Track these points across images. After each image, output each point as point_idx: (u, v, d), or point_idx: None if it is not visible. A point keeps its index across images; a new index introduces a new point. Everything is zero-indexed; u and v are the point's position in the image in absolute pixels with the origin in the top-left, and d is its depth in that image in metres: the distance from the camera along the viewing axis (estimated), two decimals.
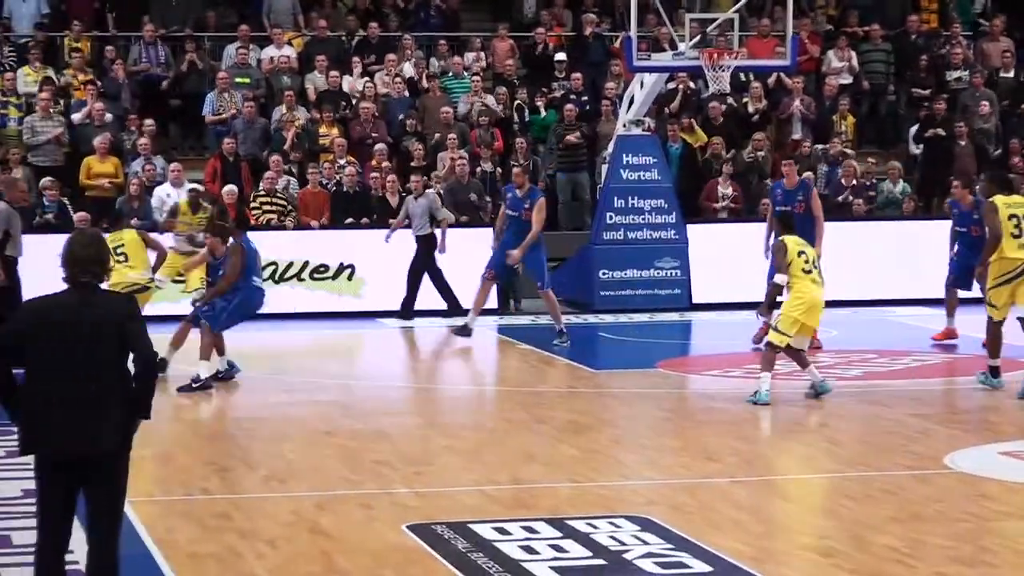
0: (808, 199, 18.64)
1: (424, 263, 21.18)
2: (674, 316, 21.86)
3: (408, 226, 21.15)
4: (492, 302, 21.41)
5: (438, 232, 21.05)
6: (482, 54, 26.00)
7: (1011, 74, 26.29)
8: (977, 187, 18.51)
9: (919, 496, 11.58)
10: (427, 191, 21.41)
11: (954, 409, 15.50)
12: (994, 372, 15.93)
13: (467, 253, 20.84)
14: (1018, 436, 13.59)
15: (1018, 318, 15.99)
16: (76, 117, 23.45)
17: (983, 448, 13.17)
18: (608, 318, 21.61)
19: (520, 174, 19.68)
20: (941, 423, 14.56)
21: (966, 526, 10.59)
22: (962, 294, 18.94)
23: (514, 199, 19.34)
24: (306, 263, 21.79)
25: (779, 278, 15.33)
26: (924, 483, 12.06)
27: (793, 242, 15.42)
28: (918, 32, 26.92)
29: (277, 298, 20.24)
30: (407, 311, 21.20)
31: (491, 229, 21.76)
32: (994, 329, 15.90)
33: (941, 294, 19.25)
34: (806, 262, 15.24)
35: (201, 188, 20.27)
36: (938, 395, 16.51)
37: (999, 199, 16.04)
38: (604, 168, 23.08)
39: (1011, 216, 15.84)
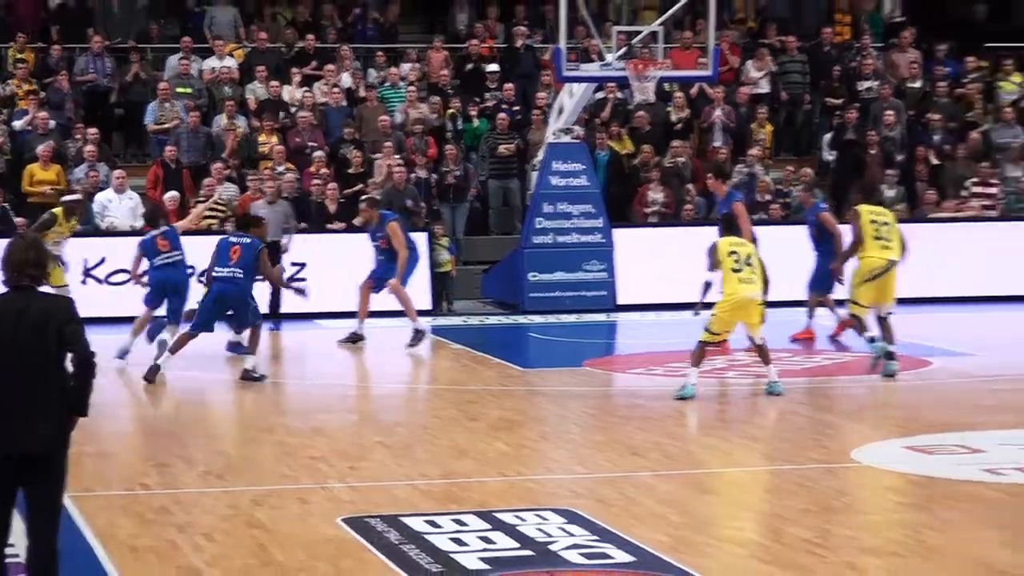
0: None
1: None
2: (600, 317, 21.89)
3: None
4: (426, 303, 21.44)
5: (284, 238, 21.01)
6: (417, 65, 25.99)
7: (918, 84, 26.49)
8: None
9: (829, 489, 11.66)
10: (281, 199, 21.42)
11: (862, 405, 15.60)
12: (889, 355, 16.45)
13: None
14: (921, 431, 13.68)
15: (879, 317, 16.51)
16: (18, 124, 23.32)
17: (888, 443, 13.24)
18: (537, 319, 21.63)
19: (366, 209, 19.61)
20: (850, 419, 14.67)
21: (874, 518, 10.68)
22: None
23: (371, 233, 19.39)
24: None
25: (708, 276, 15.43)
26: (834, 477, 12.15)
27: (726, 243, 15.44)
28: (832, 44, 27.09)
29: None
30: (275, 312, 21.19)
31: (426, 233, 21.82)
32: (859, 325, 16.61)
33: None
34: (736, 262, 15.22)
35: (79, 197, 20.12)
36: (847, 392, 16.59)
37: (863, 207, 16.88)
38: (534, 175, 23.12)
39: (872, 221, 16.64)
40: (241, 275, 16.79)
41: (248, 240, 16.95)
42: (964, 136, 25.38)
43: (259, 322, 17.03)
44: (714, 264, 15.35)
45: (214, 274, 16.91)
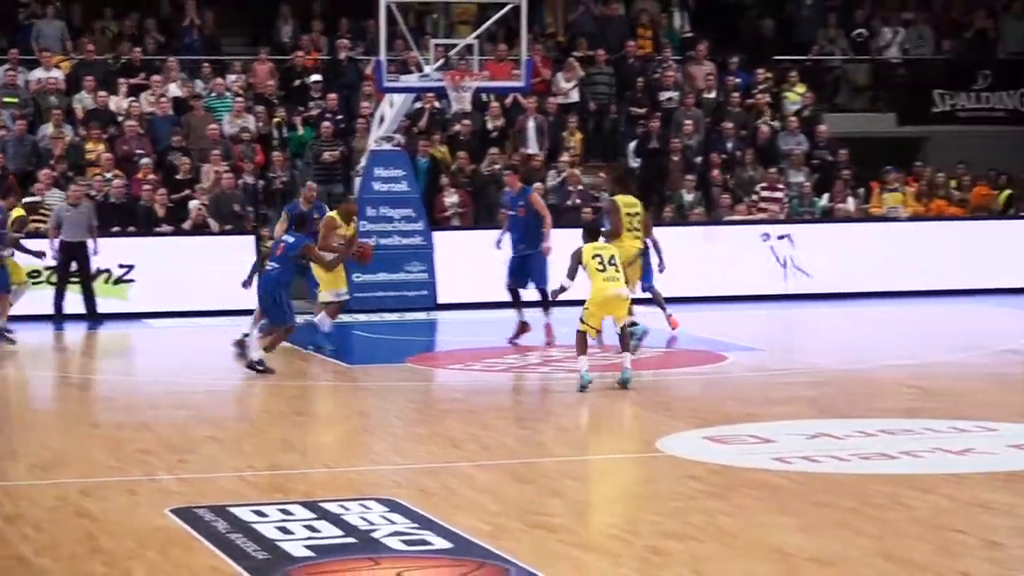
0: (528, 203, 18.90)
1: (67, 267, 20.94)
2: (421, 315, 21.95)
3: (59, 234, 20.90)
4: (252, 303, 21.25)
5: (90, 241, 20.91)
6: (243, 76, 25.82)
7: (713, 95, 26.94)
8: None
9: (635, 477, 11.83)
10: (84, 201, 21.21)
11: (665, 397, 15.81)
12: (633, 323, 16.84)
13: (233, 260, 20.61)
14: (720, 422, 13.88)
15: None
16: None
17: (689, 433, 13.42)
18: (362, 317, 21.60)
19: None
20: (655, 411, 14.85)
21: (675, 504, 10.80)
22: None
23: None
24: (74, 269, 21.32)
25: (564, 281, 15.66)
26: (639, 465, 12.31)
27: (590, 248, 15.75)
28: (635, 57, 27.44)
29: (45, 301, 19.89)
30: (59, 312, 20.95)
31: (254, 237, 21.65)
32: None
33: (669, 292, 19.50)
34: (600, 263, 15.57)
35: None
36: (651, 384, 16.80)
37: (619, 198, 17.73)
38: (358, 180, 23.11)
39: (628, 214, 17.70)
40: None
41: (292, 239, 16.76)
42: (754, 143, 25.91)
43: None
44: (573, 269, 15.59)
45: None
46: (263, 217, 23.03)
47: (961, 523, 10.17)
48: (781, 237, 23.02)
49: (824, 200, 25.17)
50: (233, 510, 10.52)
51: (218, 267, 20.88)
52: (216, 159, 23.26)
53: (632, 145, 25.83)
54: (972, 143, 27.78)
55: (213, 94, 25.22)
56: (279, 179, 23.62)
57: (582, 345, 15.68)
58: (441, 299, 22.45)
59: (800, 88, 27.31)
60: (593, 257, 15.70)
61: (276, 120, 24.79)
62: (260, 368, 16.54)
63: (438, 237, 22.71)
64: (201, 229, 22.52)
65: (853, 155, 26.06)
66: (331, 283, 18.23)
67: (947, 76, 29.29)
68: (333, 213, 18.65)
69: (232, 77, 25.65)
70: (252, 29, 28.51)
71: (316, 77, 25.62)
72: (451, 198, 23.55)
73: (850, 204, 24.88)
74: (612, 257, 15.76)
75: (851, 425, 13.60)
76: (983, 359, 18.12)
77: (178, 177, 23.23)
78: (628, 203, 18.00)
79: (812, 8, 29.34)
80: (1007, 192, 26.00)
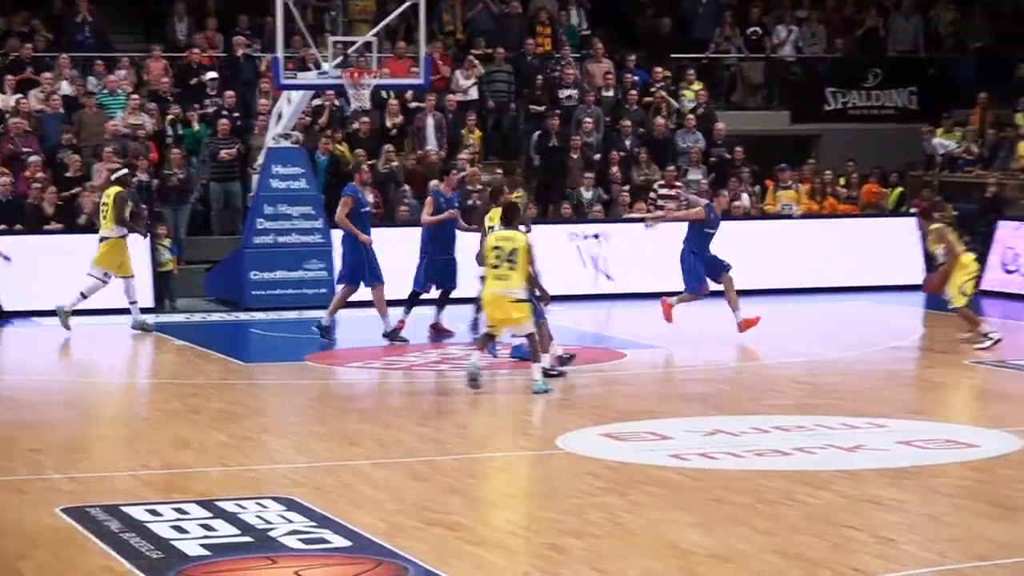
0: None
1: None
2: (320, 313, 21.75)
3: None
4: (149, 301, 21.11)
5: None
6: (135, 72, 25.56)
7: (611, 93, 27.05)
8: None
9: (534, 475, 11.86)
10: None
11: (563, 395, 15.86)
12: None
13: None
14: (618, 419, 13.96)
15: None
16: None
17: (588, 430, 13.47)
18: (259, 315, 21.45)
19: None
20: (552, 408, 14.90)
21: (574, 501, 10.84)
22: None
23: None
24: None
25: (478, 269, 15.37)
26: (538, 463, 12.35)
27: (494, 237, 15.11)
28: (534, 54, 27.48)
29: None
30: None
31: (148, 234, 21.43)
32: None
33: (561, 290, 19.55)
34: (497, 258, 14.84)
35: None
36: (552, 382, 16.82)
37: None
38: (255, 178, 22.95)
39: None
40: None
41: None
42: (651, 141, 26.04)
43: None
44: (482, 258, 15.25)
45: None
46: (158, 214, 22.81)
47: (853, 519, 10.29)
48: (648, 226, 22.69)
49: None
50: (126, 509, 10.43)
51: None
52: (108, 156, 23.02)
53: (532, 142, 25.85)
54: (863, 141, 28.12)
55: (105, 91, 24.93)
56: (175, 176, 23.40)
57: (482, 343, 15.58)
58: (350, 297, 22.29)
59: (697, 86, 27.50)
60: (493, 249, 15.01)
61: (170, 117, 24.56)
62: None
63: (337, 235, 22.51)
64: (92, 227, 22.23)
65: (748, 153, 26.28)
66: None
67: (839, 74, 29.64)
68: None
69: (123, 73, 25.37)
70: (145, 26, 28.25)
71: (212, 74, 25.41)
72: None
73: (745, 201, 25.08)
74: (513, 252, 14.89)
75: (746, 422, 13.72)
76: (873, 356, 18.34)
77: (68, 175, 22.99)
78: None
79: (708, 6, 29.55)
80: (898, 190, 26.33)
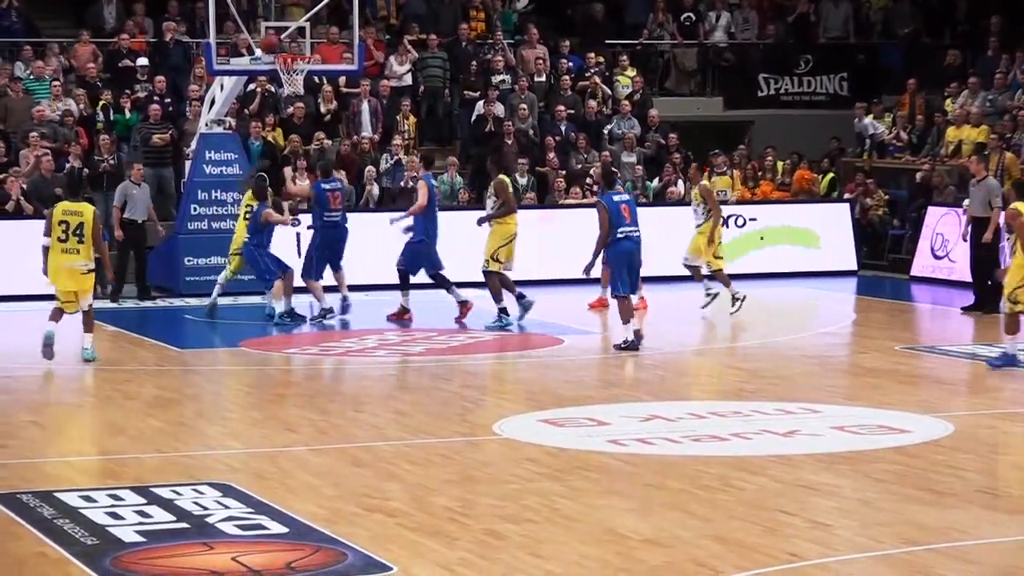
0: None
1: None
2: (257, 299, 21.64)
3: None
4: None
5: None
6: (62, 58, 25.31)
7: (544, 79, 27.06)
8: None
9: (472, 460, 11.87)
10: None
11: (501, 381, 15.90)
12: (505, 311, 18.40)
13: None
14: (555, 405, 14.01)
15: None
16: None
17: (526, 416, 13.51)
18: (194, 301, 21.28)
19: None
20: (490, 394, 14.93)
21: (512, 487, 10.88)
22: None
23: None
24: None
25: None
26: (476, 449, 12.37)
27: (59, 210, 15.70)
28: (468, 40, 27.44)
29: None
30: None
31: None
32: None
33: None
34: (64, 231, 15.63)
35: None
36: (488, 368, 16.90)
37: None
38: (188, 164, 22.80)
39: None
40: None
41: None
42: (586, 127, 26.08)
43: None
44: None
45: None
46: (89, 200, 22.56)
47: (788, 504, 10.38)
48: None
49: (655, 183, 25.43)
50: (59, 495, 10.37)
51: (36, 252, 20.40)
52: (35, 141, 22.79)
53: (467, 126, 25.82)
54: (795, 126, 28.27)
55: (31, 76, 24.68)
56: (106, 162, 23.20)
57: (54, 315, 15.60)
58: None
59: (631, 72, 27.55)
60: (59, 223, 15.51)
61: (101, 103, 24.35)
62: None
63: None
64: (20, 212, 22.03)
65: (682, 139, 26.37)
66: None
67: (771, 60, 29.79)
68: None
69: (53, 60, 25.13)
70: (74, 11, 27.98)
71: (143, 60, 25.22)
72: (303, 181, 23.24)
73: (680, 187, 25.16)
74: (80, 225, 15.57)
75: (683, 407, 13.80)
76: (806, 342, 18.50)
77: None
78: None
79: None
80: (830, 175, 26.51)
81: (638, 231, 16.91)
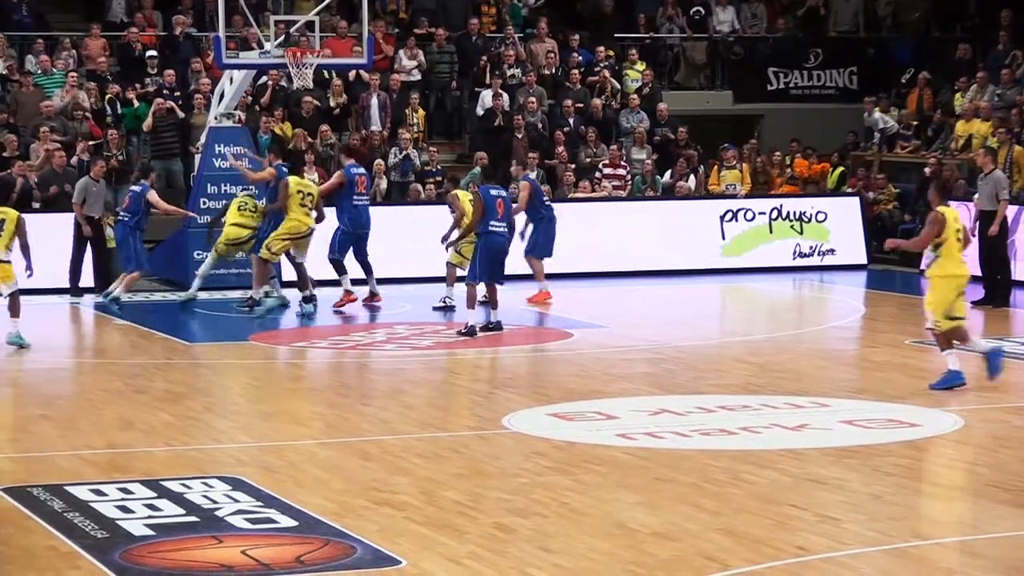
0: None
1: None
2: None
3: None
4: (88, 281, 20.95)
5: None
6: (74, 52, 25.34)
7: (553, 72, 27.05)
8: None
9: (481, 454, 11.87)
10: None
11: (510, 375, 15.90)
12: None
13: (60, 238, 20.65)
14: (563, 399, 14.00)
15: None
16: None
17: (535, 410, 13.52)
18: (204, 295, 21.27)
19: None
20: (499, 388, 14.92)
21: (521, 481, 10.89)
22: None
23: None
24: None
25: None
26: (485, 442, 12.36)
27: None
28: (478, 34, 27.44)
29: None
30: None
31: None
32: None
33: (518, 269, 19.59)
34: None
35: None
36: (496, 362, 16.89)
37: (292, 179, 19.61)
38: (197, 157, 22.82)
39: (299, 192, 19.27)
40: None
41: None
42: (594, 121, 26.06)
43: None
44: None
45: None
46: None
47: (797, 498, 10.38)
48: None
49: (666, 178, 25.41)
50: (70, 489, 10.39)
51: (47, 245, 20.44)
52: (46, 135, 22.82)
53: (476, 120, 25.82)
54: (805, 120, 28.25)
55: (40, 70, 24.70)
56: (115, 157, 23.23)
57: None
58: (287, 276, 22.18)
59: (640, 66, 27.53)
60: None
61: (109, 96, 24.38)
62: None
63: None
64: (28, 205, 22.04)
65: (692, 133, 26.35)
66: None
67: (780, 54, 29.77)
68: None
69: (63, 53, 25.17)
70: (84, 6, 28.02)
71: (152, 53, 25.25)
72: (311, 175, 23.29)
73: (691, 182, 25.15)
74: (2, 222, 16.24)
75: (692, 401, 13.80)
76: (815, 335, 18.48)
77: (5, 155, 22.74)
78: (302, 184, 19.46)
79: None
80: (840, 169, 26.47)
81: (506, 227, 17.52)
